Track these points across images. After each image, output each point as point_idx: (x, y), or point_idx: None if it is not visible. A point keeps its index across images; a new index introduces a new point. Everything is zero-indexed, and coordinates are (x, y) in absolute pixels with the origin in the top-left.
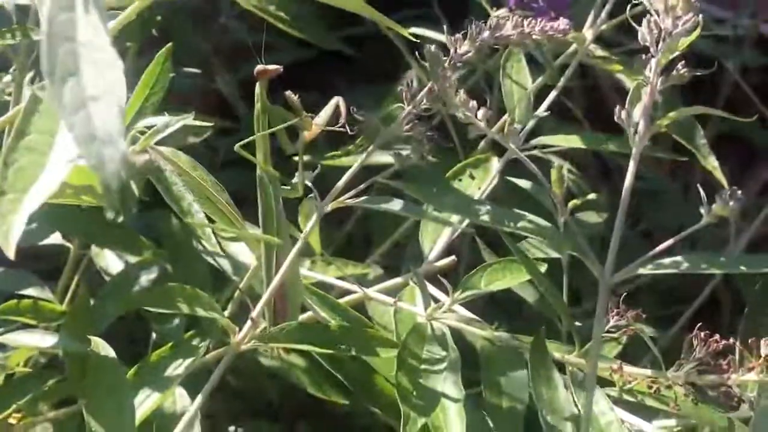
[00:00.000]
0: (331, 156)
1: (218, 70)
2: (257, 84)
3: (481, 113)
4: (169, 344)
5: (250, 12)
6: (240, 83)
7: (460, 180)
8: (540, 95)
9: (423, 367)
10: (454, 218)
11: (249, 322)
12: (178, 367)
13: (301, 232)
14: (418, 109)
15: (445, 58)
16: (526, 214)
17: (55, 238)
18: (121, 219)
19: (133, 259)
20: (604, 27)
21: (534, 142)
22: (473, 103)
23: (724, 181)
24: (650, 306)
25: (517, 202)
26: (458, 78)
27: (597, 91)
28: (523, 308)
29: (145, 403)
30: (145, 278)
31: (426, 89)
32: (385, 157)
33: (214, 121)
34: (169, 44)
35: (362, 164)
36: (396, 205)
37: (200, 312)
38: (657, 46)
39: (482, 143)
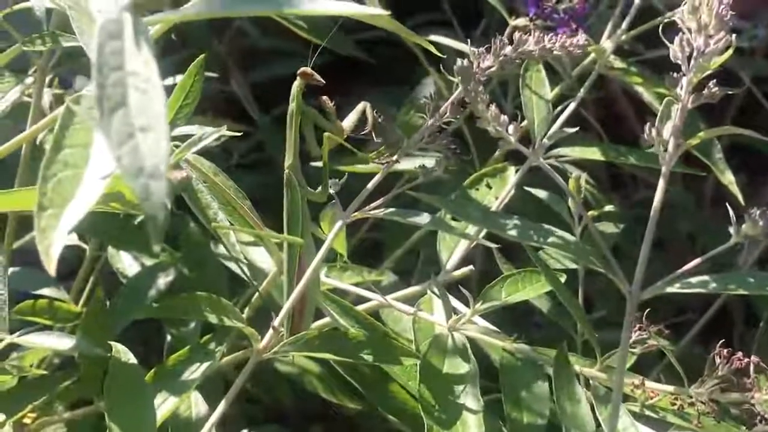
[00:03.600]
0: (349, 162)
1: (233, 73)
2: (294, 84)
3: (512, 128)
4: (186, 348)
5: (264, 16)
6: (253, 86)
7: (477, 189)
8: (555, 104)
9: (444, 379)
10: (473, 230)
11: (271, 330)
12: (194, 372)
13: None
14: (440, 121)
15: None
16: (553, 228)
17: (71, 239)
18: (137, 221)
19: (149, 261)
20: (624, 37)
21: (554, 152)
22: (504, 118)
23: (740, 196)
24: (661, 314)
25: (532, 211)
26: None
27: (612, 101)
28: (535, 316)
29: (162, 407)
30: (162, 281)
31: (449, 102)
32: (405, 164)
33: (227, 124)
34: (202, 56)
35: (384, 175)
36: (423, 218)
37: (225, 321)
38: (688, 64)
39: (497, 152)
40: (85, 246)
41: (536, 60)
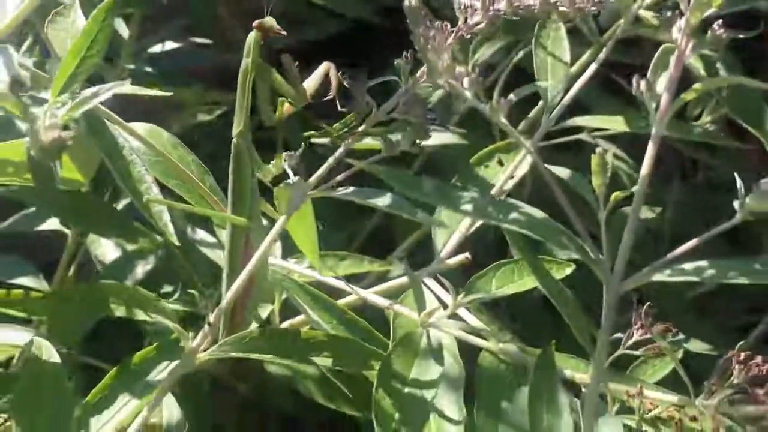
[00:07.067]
0: (309, 135)
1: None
2: (249, 36)
3: (467, 81)
4: (155, 345)
5: None
6: (265, 54)
7: (487, 166)
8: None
9: (410, 384)
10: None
11: (206, 328)
12: (163, 371)
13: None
14: (414, 87)
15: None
16: (518, 203)
17: (54, 224)
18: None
19: (131, 247)
20: None
21: (568, 123)
22: (460, 70)
23: None
24: (730, 313)
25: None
26: None
27: None
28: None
29: (122, 410)
30: (141, 269)
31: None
32: None
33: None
34: None
35: (348, 149)
36: (384, 199)
37: (140, 315)
38: (688, 2)
39: (521, 125)
40: (68, 232)
41: (537, 16)
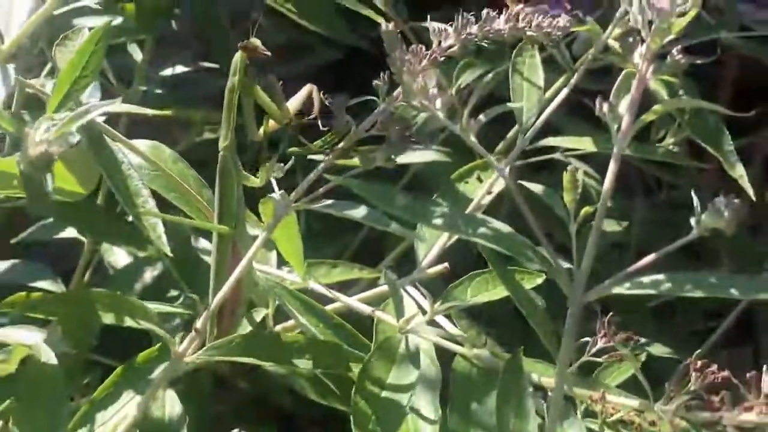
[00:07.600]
0: (293, 152)
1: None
2: (235, 56)
3: (439, 102)
4: (157, 345)
5: (275, 10)
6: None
7: (467, 183)
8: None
9: (387, 387)
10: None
11: (192, 332)
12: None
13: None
14: (391, 106)
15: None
16: (488, 219)
17: (71, 233)
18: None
19: (141, 254)
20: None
21: (541, 143)
22: (433, 91)
23: (750, 191)
24: (688, 322)
25: (537, 208)
26: None
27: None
28: None
29: (126, 406)
30: (149, 275)
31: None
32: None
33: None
34: (107, 20)
35: (328, 165)
36: (360, 211)
37: (128, 322)
38: (650, 28)
39: (500, 145)
40: (83, 239)
41: (507, 40)
